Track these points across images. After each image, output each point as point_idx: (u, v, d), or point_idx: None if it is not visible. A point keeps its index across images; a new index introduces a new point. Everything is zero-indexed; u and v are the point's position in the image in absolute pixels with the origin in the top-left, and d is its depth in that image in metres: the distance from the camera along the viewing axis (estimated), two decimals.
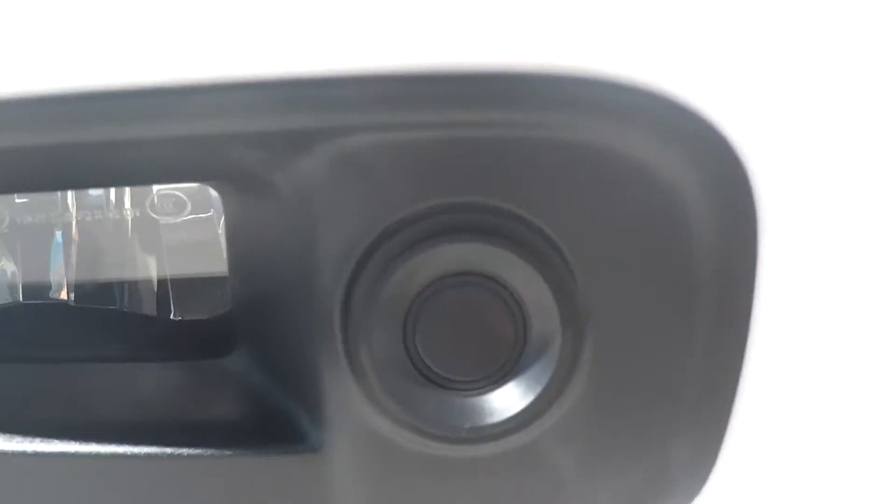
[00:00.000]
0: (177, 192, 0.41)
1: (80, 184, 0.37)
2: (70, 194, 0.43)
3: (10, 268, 0.44)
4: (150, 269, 0.40)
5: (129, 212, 0.40)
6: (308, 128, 0.24)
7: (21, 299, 0.43)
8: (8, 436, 0.33)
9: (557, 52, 0.23)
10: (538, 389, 0.24)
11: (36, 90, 0.25)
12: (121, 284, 0.39)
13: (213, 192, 0.39)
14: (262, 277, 0.28)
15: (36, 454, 0.31)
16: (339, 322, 0.25)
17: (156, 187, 0.41)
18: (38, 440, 0.31)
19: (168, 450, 0.29)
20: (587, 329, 0.25)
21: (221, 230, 0.40)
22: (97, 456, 0.30)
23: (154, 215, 0.40)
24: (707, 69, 0.23)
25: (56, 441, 0.31)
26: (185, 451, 0.28)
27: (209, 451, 0.28)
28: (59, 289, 0.41)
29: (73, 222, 0.43)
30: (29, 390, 0.35)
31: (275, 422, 0.28)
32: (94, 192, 0.43)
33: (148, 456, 0.29)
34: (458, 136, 0.24)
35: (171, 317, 0.39)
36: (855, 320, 0.26)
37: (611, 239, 0.24)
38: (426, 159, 0.24)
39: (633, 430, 0.26)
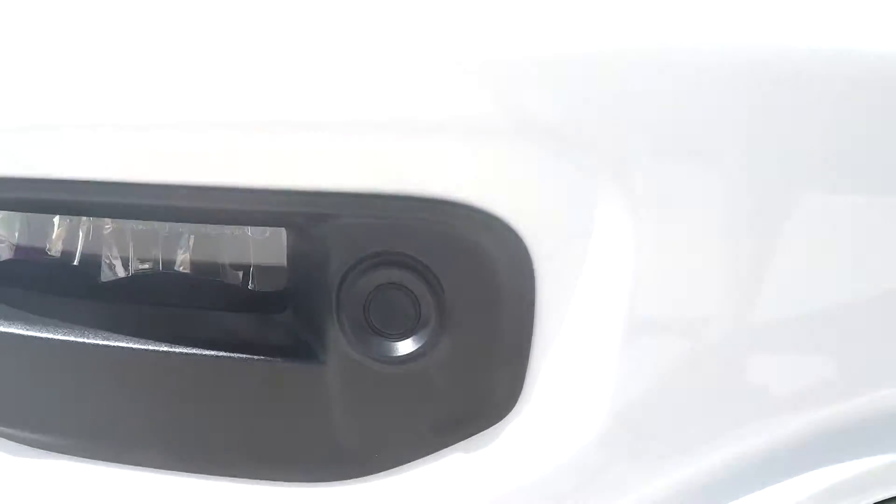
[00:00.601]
0: None
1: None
2: None
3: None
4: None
5: None
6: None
7: None
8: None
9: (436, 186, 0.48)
10: (422, 342, 0.51)
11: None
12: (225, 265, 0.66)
13: None
14: (302, 273, 0.55)
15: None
16: (335, 304, 0.51)
17: None
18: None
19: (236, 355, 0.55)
20: (448, 314, 0.51)
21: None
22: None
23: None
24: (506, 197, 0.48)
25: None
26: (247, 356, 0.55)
27: (267, 360, 0.55)
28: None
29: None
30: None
31: (302, 350, 0.55)
32: None
33: (222, 358, 0.55)
34: (388, 223, 0.50)
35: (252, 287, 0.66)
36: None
37: (459, 270, 0.50)
38: (374, 231, 0.50)
39: (470, 370, 0.52)
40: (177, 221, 0.59)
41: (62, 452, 0.60)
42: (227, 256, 0.62)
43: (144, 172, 0.51)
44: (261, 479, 0.56)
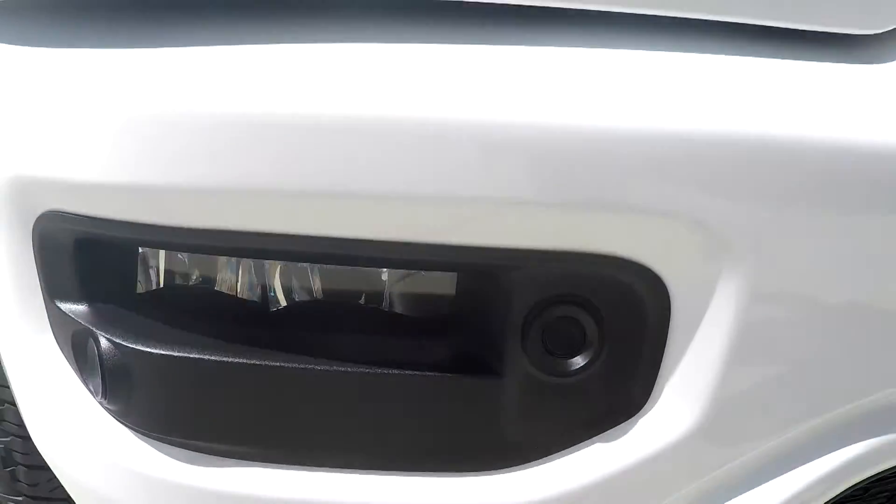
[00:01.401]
0: None
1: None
2: None
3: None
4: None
5: None
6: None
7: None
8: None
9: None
10: (585, 360, 0.68)
11: None
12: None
13: None
14: (482, 304, 0.70)
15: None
16: (521, 332, 0.67)
17: None
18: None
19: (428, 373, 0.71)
20: (605, 337, 0.68)
21: None
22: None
23: None
24: (657, 253, 0.65)
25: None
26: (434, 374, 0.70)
27: (451, 376, 0.70)
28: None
29: None
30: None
31: (479, 367, 0.70)
32: None
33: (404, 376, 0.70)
34: (566, 272, 0.66)
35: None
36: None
37: (615, 305, 0.67)
38: (556, 278, 0.67)
39: (617, 379, 0.69)
40: (374, 267, 0.74)
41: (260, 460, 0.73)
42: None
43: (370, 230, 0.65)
44: (446, 472, 0.72)
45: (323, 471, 0.72)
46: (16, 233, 0.75)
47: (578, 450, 0.71)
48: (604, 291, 0.67)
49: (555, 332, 0.67)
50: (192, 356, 0.70)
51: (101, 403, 0.76)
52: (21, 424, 0.90)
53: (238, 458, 0.73)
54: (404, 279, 0.76)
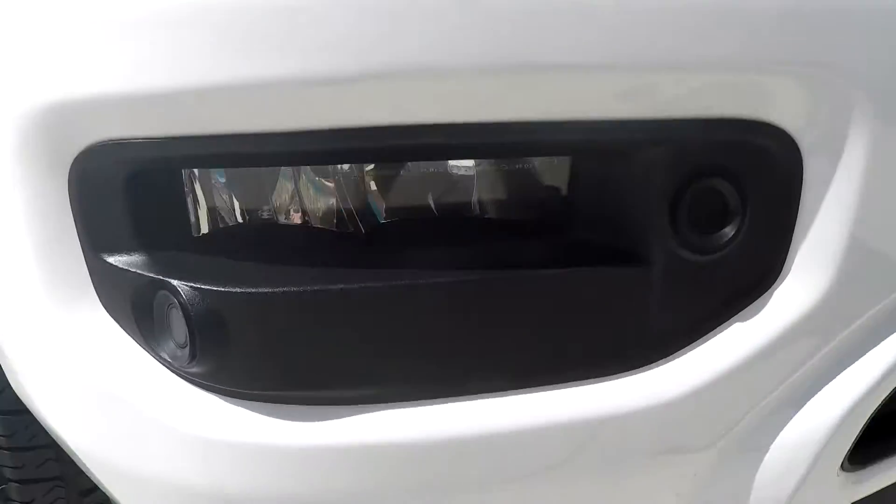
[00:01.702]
0: None
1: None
2: None
3: None
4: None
5: None
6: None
7: None
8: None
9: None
10: (731, 232, 0.65)
11: None
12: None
13: None
14: (616, 192, 0.65)
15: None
16: (669, 212, 0.63)
17: None
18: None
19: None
20: (748, 206, 0.65)
21: None
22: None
23: None
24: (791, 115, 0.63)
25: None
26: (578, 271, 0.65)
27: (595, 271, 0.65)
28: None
29: None
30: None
31: (623, 257, 0.65)
32: None
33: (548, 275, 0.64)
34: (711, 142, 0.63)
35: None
36: None
37: (755, 172, 0.65)
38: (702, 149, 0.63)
39: (758, 250, 0.67)
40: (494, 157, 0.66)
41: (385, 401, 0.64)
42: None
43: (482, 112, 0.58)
44: (590, 378, 0.66)
45: (455, 401, 0.65)
46: (45, 180, 0.62)
47: (719, 332, 0.68)
48: (741, 158, 0.64)
49: (700, 206, 0.64)
50: (299, 290, 0.60)
51: (177, 370, 0.64)
52: None
53: (356, 404, 0.64)
54: (515, 179, 0.70)
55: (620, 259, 0.65)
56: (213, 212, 0.69)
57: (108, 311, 0.66)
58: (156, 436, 0.65)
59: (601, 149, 0.64)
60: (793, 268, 0.68)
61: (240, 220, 0.71)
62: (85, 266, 0.65)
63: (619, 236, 0.66)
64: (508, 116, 0.57)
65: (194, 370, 0.62)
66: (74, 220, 0.63)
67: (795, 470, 0.75)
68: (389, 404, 0.63)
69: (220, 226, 0.70)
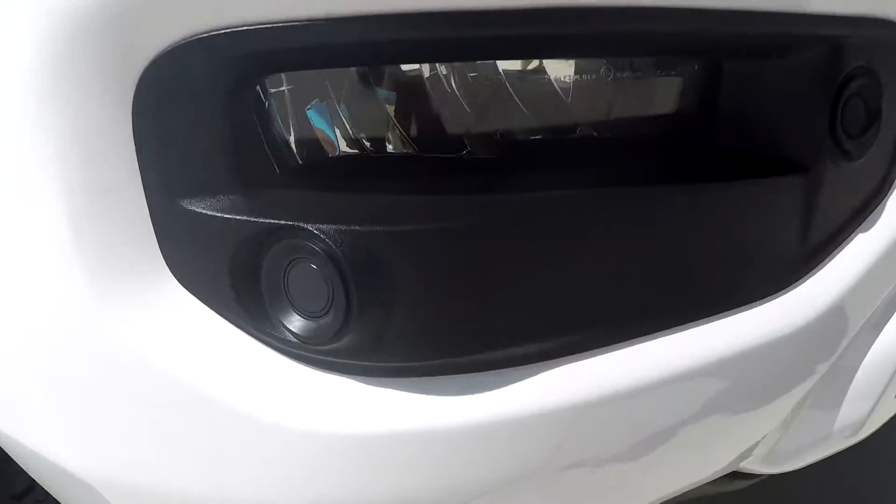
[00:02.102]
0: None
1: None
2: None
3: None
4: None
5: None
6: None
7: None
8: None
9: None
10: (874, 136, 0.62)
11: None
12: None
13: None
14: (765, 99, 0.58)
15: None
16: (830, 115, 0.58)
17: None
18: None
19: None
20: (886, 108, 0.62)
21: None
22: None
23: None
24: None
25: None
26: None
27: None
28: None
29: None
30: None
31: (779, 166, 0.59)
32: None
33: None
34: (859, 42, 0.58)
35: None
36: None
37: (891, 70, 0.62)
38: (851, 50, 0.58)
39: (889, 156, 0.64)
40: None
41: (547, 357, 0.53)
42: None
43: None
44: (738, 305, 0.60)
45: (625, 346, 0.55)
46: (96, 101, 0.43)
47: (847, 244, 0.65)
48: (881, 58, 0.61)
49: (852, 109, 0.60)
50: (487, 219, 0.47)
51: (306, 351, 0.48)
52: None
53: (522, 364, 0.52)
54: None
55: (772, 169, 0.59)
56: (315, 145, 0.53)
57: (183, 284, 0.48)
58: (266, 445, 0.48)
59: (761, 45, 0.57)
60: None
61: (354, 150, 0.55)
62: (149, 222, 0.46)
63: (769, 145, 0.60)
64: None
65: (338, 345, 0.46)
66: (139, 156, 0.45)
67: (876, 387, 0.74)
68: (564, 358, 0.52)
69: (324, 159, 0.54)
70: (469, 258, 0.46)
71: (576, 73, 0.60)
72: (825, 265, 0.64)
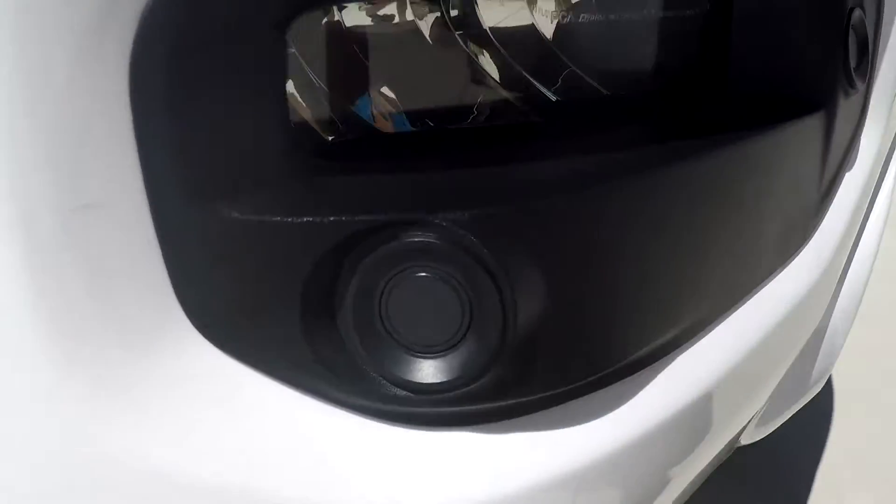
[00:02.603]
0: None
1: None
2: None
3: None
4: None
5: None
6: None
7: None
8: None
9: None
10: (865, 73, 0.59)
11: None
12: None
13: None
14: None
15: None
16: (843, 48, 0.53)
17: None
18: None
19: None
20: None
21: None
22: None
23: None
24: None
25: None
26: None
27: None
28: None
29: None
30: None
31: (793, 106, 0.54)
32: None
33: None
34: None
35: None
36: None
37: None
38: None
39: None
40: None
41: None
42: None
43: None
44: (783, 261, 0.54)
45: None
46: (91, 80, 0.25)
47: (838, 184, 0.62)
48: None
49: (854, 40, 0.57)
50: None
51: (415, 407, 0.32)
52: None
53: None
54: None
55: (788, 110, 0.54)
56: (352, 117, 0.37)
57: (206, 335, 0.30)
58: None
59: None
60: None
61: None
62: (157, 248, 0.28)
63: (785, 84, 0.55)
64: None
65: (484, 383, 0.32)
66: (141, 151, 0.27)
67: (839, 339, 0.74)
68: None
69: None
70: (636, 228, 0.34)
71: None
72: (827, 209, 0.61)
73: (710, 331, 0.43)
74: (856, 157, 0.64)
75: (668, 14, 0.54)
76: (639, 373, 0.38)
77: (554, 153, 0.37)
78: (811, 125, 0.54)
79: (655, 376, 0.38)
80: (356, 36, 0.38)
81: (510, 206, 0.30)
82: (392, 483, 0.31)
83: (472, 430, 0.33)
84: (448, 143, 0.40)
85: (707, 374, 0.40)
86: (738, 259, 0.46)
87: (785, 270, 0.54)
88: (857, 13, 0.56)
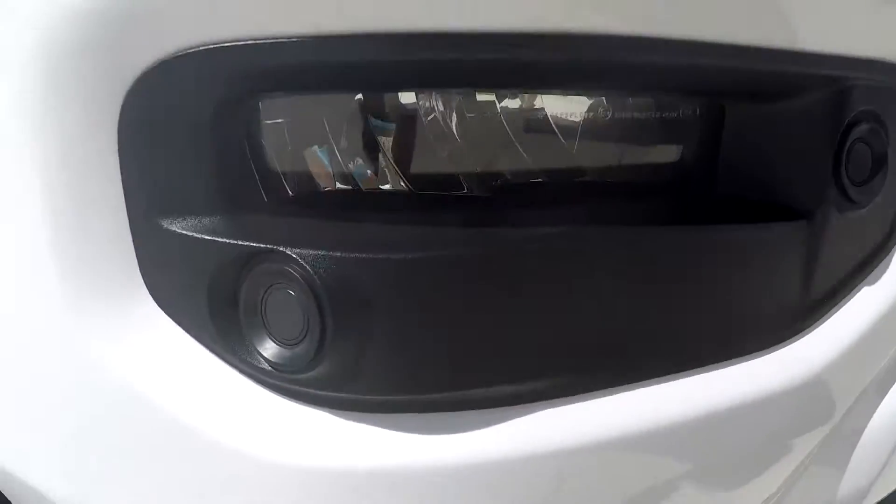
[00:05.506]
0: None
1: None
2: None
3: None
4: None
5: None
6: None
7: None
8: None
9: None
10: (881, 182, 0.60)
11: None
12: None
13: None
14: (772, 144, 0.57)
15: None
16: (833, 160, 0.56)
17: None
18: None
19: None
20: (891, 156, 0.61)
21: None
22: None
23: None
24: None
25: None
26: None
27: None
28: None
29: None
30: None
31: (780, 212, 0.58)
32: None
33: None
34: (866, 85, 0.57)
35: None
36: None
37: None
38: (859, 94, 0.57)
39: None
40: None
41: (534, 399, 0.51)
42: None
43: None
44: (737, 355, 0.58)
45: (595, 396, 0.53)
46: (82, 116, 0.43)
47: (854, 294, 0.63)
48: (887, 104, 0.60)
49: (857, 155, 0.58)
50: (469, 252, 0.46)
51: (279, 380, 0.47)
52: None
53: (518, 403, 0.50)
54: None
55: (775, 216, 0.58)
56: (304, 176, 0.52)
57: (160, 306, 0.47)
58: (236, 476, 0.47)
59: (761, 86, 0.56)
60: None
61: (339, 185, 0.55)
62: (129, 241, 0.46)
63: (771, 191, 0.58)
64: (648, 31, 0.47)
65: (312, 375, 0.45)
66: (123, 174, 0.44)
67: (881, 452, 0.71)
68: (551, 401, 0.50)
69: (313, 190, 0.53)
70: (450, 292, 0.45)
71: (575, 112, 0.59)
72: (828, 319, 0.62)
73: (572, 402, 0.50)
74: (883, 272, 0.64)
75: (651, 115, 0.60)
76: (467, 412, 0.47)
77: (440, 221, 0.49)
78: (785, 233, 0.57)
79: (481, 422, 0.47)
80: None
81: (344, 253, 0.43)
82: (249, 422, 0.46)
83: (314, 407, 0.47)
84: (380, 201, 0.53)
85: (528, 442, 0.48)
86: (628, 340, 0.52)
87: (736, 368, 0.58)
88: (864, 127, 0.58)
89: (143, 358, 0.47)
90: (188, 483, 0.48)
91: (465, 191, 0.56)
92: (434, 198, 0.54)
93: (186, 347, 0.47)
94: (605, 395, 0.52)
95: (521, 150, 0.57)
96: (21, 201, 0.45)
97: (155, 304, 0.47)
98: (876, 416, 0.70)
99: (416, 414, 0.46)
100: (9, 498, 0.58)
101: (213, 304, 0.46)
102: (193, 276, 0.46)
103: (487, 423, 0.47)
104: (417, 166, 0.55)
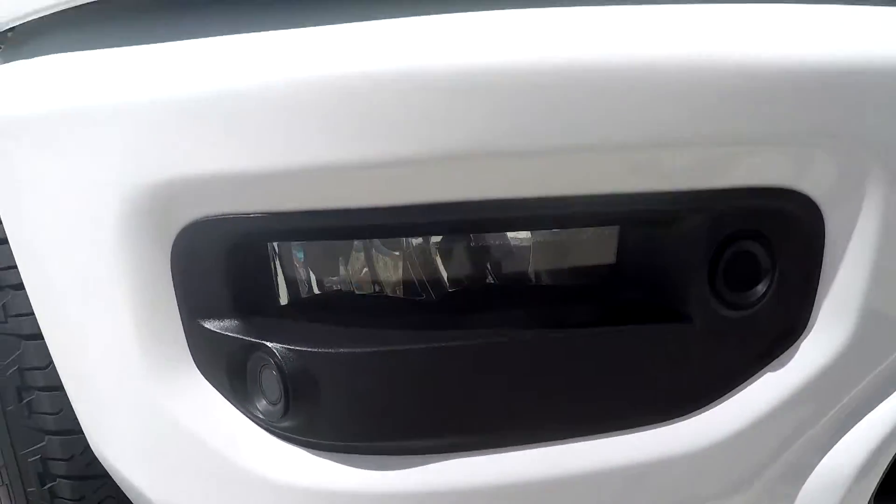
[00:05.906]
0: None
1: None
2: None
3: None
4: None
5: None
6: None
7: None
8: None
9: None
10: (763, 289, 0.73)
11: None
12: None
13: None
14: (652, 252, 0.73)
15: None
16: (708, 273, 0.70)
17: None
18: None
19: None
20: (777, 264, 0.74)
21: None
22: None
23: None
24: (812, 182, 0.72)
25: None
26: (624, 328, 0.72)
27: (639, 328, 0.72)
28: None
29: None
30: None
31: (664, 314, 0.73)
32: None
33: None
34: (744, 208, 0.71)
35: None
36: None
37: (782, 234, 0.73)
38: (736, 215, 0.72)
39: (786, 303, 0.76)
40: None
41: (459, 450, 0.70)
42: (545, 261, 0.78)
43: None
44: (633, 427, 0.73)
45: (509, 450, 0.71)
46: (149, 252, 0.69)
47: (752, 382, 0.75)
48: (770, 222, 0.72)
49: (734, 267, 0.72)
50: (383, 350, 0.67)
51: (269, 425, 0.70)
52: None
53: (434, 453, 0.70)
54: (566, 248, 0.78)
55: (663, 317, 0.72)
56: (295, 284, 0.76)
57: (202, 373, 0.72)
58: (247, 486, 0.71)
59: (648, 218, 0.72)
60: (818, 320, 0.75)
61: (319, 291, 0.78)
62: (182, 332, 0.72)
63: (661, 296, 0.73)
64: (564, 191, 0.65)
65: (285, 425, 0.68)
66: (175, 290, 0.70)
67: None
68: (462, 453, 0.70)
69: (304, 296, 0.77)
70: (374, 376, 0.67)
71: (514, 237, 0.78)
72: (724, 401, 0.75)
73: (485, 453, 0.69)
74: (788, 360, 0.75)
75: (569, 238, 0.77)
76: (395, 456, 0.68)
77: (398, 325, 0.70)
78: (667, 332, 0.72)
79: (397, 465, 0.68)
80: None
81: (301, 348, 0.66)
82: (246, 455, 0.70)
83: (290, 444, 0.70)
84: (343, 304, 0.75)
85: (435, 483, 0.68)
86: (534, 410, 0.70)
87: (629, 436, 0.73)
88: (743, 243, 0.71)
89: (192, 407, 0.72)
90: (215, 481, 0.72)
91: (422, 297, 0.77)
92: (389, 302, 0.75)
93: (219, 401, 0.72)
94: (504, 452, 0.70)
95: (470, 266, 0.77)
96: (115, 306, 0.72)
97: (200, 373, 0.72)
98: (813, 477, 0.80)
99: (353, 454, 0.68)
100: (128, 496, 0.86)
101: (231, 376, 0.71)
102: (219, 357, 0.71)
103: (406, 466, 0.68)
104: (383, 277, 0.77)
